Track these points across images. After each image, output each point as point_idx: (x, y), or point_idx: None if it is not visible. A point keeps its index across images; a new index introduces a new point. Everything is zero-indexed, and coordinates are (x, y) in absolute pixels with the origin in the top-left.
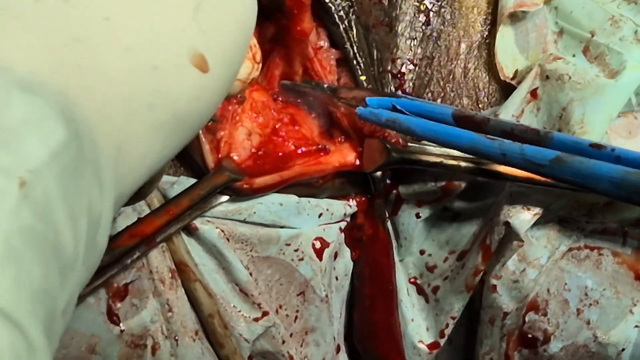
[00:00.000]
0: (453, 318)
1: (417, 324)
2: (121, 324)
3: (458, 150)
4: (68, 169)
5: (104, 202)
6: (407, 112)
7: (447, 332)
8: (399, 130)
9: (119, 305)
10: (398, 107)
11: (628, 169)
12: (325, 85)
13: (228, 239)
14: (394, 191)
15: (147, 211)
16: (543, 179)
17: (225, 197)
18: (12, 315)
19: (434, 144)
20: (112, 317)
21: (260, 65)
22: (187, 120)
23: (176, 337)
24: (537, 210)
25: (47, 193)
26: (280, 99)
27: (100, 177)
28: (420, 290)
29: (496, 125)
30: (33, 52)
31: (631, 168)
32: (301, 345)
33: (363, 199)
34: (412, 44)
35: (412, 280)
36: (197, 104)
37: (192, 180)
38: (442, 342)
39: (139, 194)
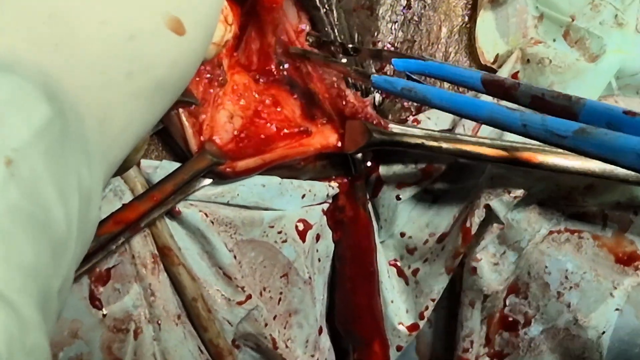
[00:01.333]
0: (433, 300)
1: (397, 306)
2: (103, 309)
3: (476, 121)
4: (54, 146)
5: (93, 175)
6: (421, 81)
7: (427, 314)
8: (414, 99)
9: (101, 289)
10: (413, 77)
11: None
12: (350, 46)
13: (212, 222)
14: (375, 173)
15: (130, 197)
16: (524, 160)
17: (208, 181)
18: (2, 292)
19: (416, 126)
20: (95, 301)
21: (233, 27)
22: (168, 85)
23: (159, 322)
24: (518, 193)
25: (33, 171)
26: (261, 80)
27: (87, 151)
28: (400, 273)
29: (526, 90)
30: (9, 31)
31: None
32: (285, 327)
33: (344, 180)
34: (393, 28)
35: (392, 262)
36: (176, 67)
37: (175, 164)
38: (422, 323)
39: (125, 163)
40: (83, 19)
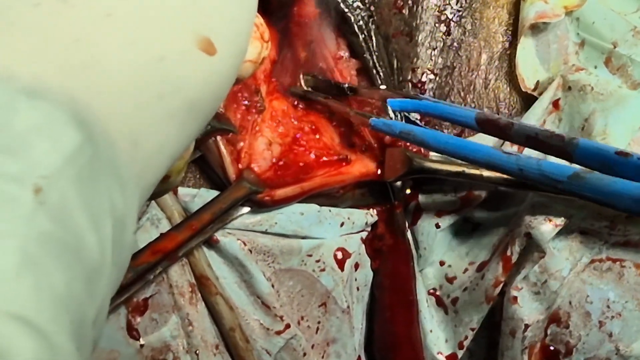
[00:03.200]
0: (472, 329)
1: (436, 335)
2: (141, 339)
3: (474, 164)
4: (84, 172)
5: (126, 200)
6: (421, 124)
7: (466, 343)
8: (413, 142)
9: (138, 320)
10: (412, 119)
11: None
12: (346, 85)
13: (250, 251)
14: (414, 201)
15: (167, 225)
16: None
17: (246, 209)
18: (33, 321)
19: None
20: (132, 332)
21: (270, 44)
22: (200, 105)
23: (197, 352)
24: (559, 221)
25: (64, 198)
26: (300, 106)
27: (119, 175)
28: (439, 302)
29: (520, 130)
30: (36, 57)
31: None
32: (322, 357)
33: (383, 208)
34: (432, 54)
35: (431, 291)
36: (208, 87)
37: (213, 193)
38: (461, 353)
39: (167, 185)
40: (111, 42)
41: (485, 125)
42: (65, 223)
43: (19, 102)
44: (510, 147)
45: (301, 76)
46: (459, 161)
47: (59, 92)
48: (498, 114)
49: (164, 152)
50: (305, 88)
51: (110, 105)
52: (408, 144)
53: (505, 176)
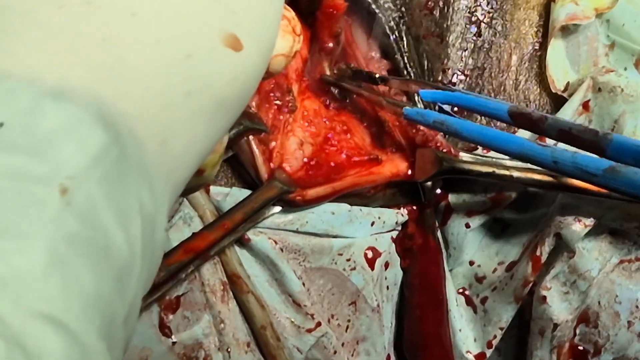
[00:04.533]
0: (501, 329)
1: (465, 335)
2: (173, 337)
3: (507, 155)
4: (111, 172)
5: (156, 198)
6: (454, 114)
7: (495, 342)
8: (446, 131)
9: (170, 317)
10: (445, 109)
11: None
12: (377, 75)
13: (282, 250)
14: (444, 201)
15: (198, 223)
16: (595, 189)
17: (277, 208)
18: (62, 320)
19: (486, 154)
20: (164, 329)
21: (302, 37)
22: (229, 101)
23: (228, 349)
24: (589, 221)
25: (90, 198)
26: (332, 105)
27: (147, 174)
28: (468, 301)
29: (553, 124)
30: (61, 59)
31: None
32: (352, 355)
33: (414, 208)
34: (463, 55)
35: (460, 291)
36: (236, 84)
37: (245, 192)
38: (489, 352)
39: (202, 179)
40: (137, 41)
41: (518, 119)
42: (92, 223)
43: (44, 104)
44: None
45: (327, 65)
46: (490, 161)
47: (84, 93)
48: None
49: (193, 150)
50: (336, 77)
51: (137, 104)
52: (439, 144)
53: (535, 177)
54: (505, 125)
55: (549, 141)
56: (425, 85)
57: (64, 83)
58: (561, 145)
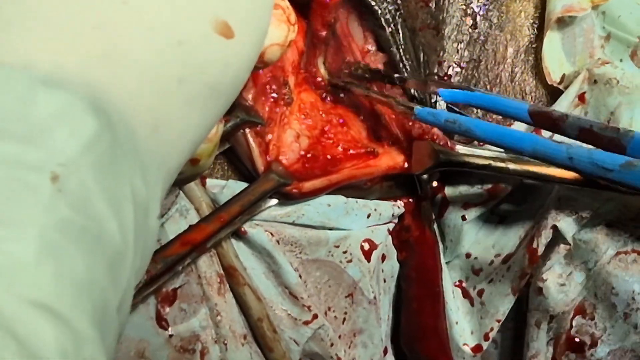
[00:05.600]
0: (498, 321)
1: (462, 327)
2: (170, 329)
3: (521, 154)
4: (103, 159)
5: (148, 185)
6: (463, 113)
7: (492, 335)
8: (458, 131)
9: (167, 310)
10: (455, 109)
11: None
12: (397, 75)
13: (278, 242)
14: (440, 193)
15: (194, 215)
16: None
17: (274, 201)
18: (54, 308)
19: (482, 146)
20: (161, 322)
21: (296, 27)
22: (221, 88)
23: (225, 342)
24: (585, 214)
25: (82, 185)
26: (328, 98)
27: (140, 161)
28: (465, 294)
29: (574, 122)
30: (54, 46)
31: None
32: (349, 347)
33: (410, 200)
34: (459, 47)
35: (457, 283)
36: (228, 70)
37: (241, 184)
38: (486, 345)
39: (198, 167)
40: (129, 29)
41: (539, 118)
42: (84, 209)
43: (36, 91)
44: None
45: (321, 60)
46: (485, 154)
47: (77, 80)
48: None
49: (186, 137)
50: (344, 79)
51: (130, 91)
52: (435, 137)
53: (532, 169)
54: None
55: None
56: (443, 85)
57: (56, 70)
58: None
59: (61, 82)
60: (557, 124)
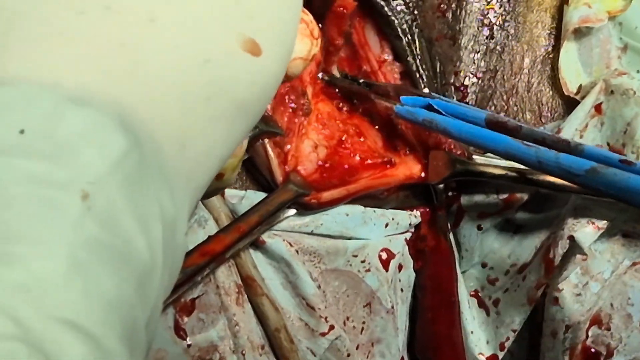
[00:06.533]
0: (514, 331)
1: (477, 337)
2: (188, 339)
3: (493, 154)
4: (131, 177)
5: (176, 203)
6: (443, 113)
7: (507, 344)
8: (435, 130)
9: (186, 320)
10: (435, 107)
11: None
12: (362, 80)
13: (297, 252)
14: (456, 203)
15: (213, 225)
16: None
17: (292, 211)
18: (83, 325)
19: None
20: (179, 331)
21: (319, 41)
22: (248, 105)
23: (243, 352)
24: (602, 224)
25: (111, 203)
26: (345, 108)
27: (167, 179)
28: (480, 303)
29: (528, 134)
30: (81, 64)
31: None
32: (367, 357)
33: (426, 210)
34: (475, 57)
35: (472, 293)
36: (255, 88)
37: (260, 194)
38: (502, 354)
39: (222, 182)
40: (155, 47)
41: (495, 127)
42: (113, 228)
43: (64, 110)
44: None
45: (335, 68)
46: (502, 164)
47: (104, 98)
48: (540, 118)
49: (213, 154)
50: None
51: (157, 109)
52: (452, 146)
53: (548, 179)
54: None
55: None
56: (406, 91)
57: (83, 88)
58: None
59: (89, 100)
60: (511, 133)
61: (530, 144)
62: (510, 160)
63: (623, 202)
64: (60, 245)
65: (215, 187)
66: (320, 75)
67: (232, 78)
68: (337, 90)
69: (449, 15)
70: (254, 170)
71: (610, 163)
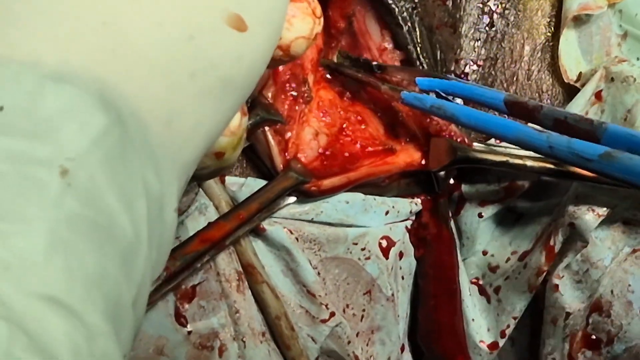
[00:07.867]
0: (515, 318)
1: (478, 324)
2: (189, 326)
3: (503, 140)
4: (113, 154)
5: (162, 179)
6: (450, 99)
7: (508, 332)
8: (443, 116)
9: (186, 306)
10: (442, 94)
11: None
12: (374, 63)
13: (297, 239)
14: (457, 191)
15: (213, 213)
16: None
17: (292, 199)
18: (64, 301)
19: (499, 144)
20: (180, 318)
21: (322, 20)
22: (235, 82)
23: (243, 339)
24: (602, 211)
25: (92, 179)
26: (346, 96)
27: (153, 155)
28: (481, 291)
29: (549, 113)
30: (62, 43)
31: None
32: (367, 344)
33: (427, 197)
34: (475, 45)
35: (473, 280)
36: (242, 65)
37: (260, 182)
38: (502, 342)
39: (224, 162)
40: (138, 24)
41: (514, 108)
42: (94, 204)
43: (45, 87)
44: None
45: (336, 55)
46: (503, 151)
47: (85, 76)
48: None
49: (201, 130)
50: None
51: (141, 86)
52: (452, 134)
53: (549, 166)
54: None
55: None
56: (422, 73)
57: (64, 66)
58: None
59: (69, 78)
60: (532, 114)
61: (542, 130)
62: (521, 146)
63: (637, 187)
64: (40, 222)
65: (217, 167)
66: (324, 61)
67: (218, 54)
68: (341, 76)
69: (450, 3)
70: (254, 158)
71: (634, 140)
